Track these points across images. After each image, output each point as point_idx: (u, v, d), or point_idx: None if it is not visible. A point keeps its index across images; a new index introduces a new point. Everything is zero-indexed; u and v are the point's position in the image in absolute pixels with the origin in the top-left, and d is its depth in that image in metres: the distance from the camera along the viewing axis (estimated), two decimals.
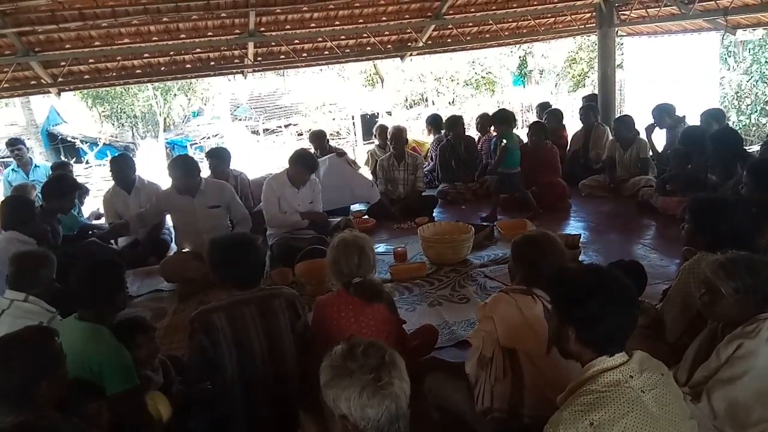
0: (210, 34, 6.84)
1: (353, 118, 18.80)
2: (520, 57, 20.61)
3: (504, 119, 6.03)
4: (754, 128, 12.08)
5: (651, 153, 6.60)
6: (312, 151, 6.68)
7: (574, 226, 5.81)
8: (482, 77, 20.43)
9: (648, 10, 7.53)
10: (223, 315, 2.52)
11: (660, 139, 6.71)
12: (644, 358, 1.82)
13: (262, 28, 6.87)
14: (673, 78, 12.71)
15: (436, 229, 5.14)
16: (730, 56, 13.01)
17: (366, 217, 6.33)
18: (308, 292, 4.14)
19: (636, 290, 3.20)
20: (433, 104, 19.57)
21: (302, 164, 4.91)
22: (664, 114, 6.54)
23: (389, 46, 7.89)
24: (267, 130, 19.53)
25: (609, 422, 1.64)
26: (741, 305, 2.21)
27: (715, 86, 13.04)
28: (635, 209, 6.04)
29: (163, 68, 7.40)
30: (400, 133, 6.56)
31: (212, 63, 7.58)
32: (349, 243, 2.69)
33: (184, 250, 4.87)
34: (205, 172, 5.46)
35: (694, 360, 2.41)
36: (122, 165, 5.53)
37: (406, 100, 20.41)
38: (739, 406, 2.14)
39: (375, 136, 8.37)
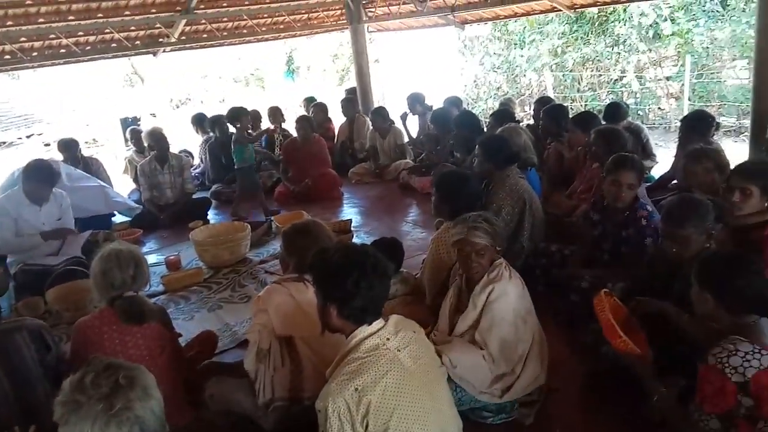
0: None
1: (112, 123, 17.08)
2: (286, 53, 20.84)
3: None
4: (490, 111, 13.98)
5: (407, 139, 7.24)
6: (62, 161, 5.92)
7: (347, 212, 6.12)
8: (251, 74, 20.20)
9: (390, 7, 8.20)
10: None
11: (414, 125, 7.39)
12: (399, 321, 2.01)
13: None
14: (424, 70, 14.11)
15: (210, 231, 4.97)
16: (466, 49, 14.87)
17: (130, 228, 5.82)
18: (66, 320, 3.68)
19: (394, 263, 3.51)
20: (202, 103, 18.78)
21: (36, 178, 4.26)
22: (415, 102, 7.21)
23: (137, 42, 7.32)
24: (3, 143, 16.71)
25: (372, 384, 1.78)
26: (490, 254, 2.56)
27: (457, 76, 14.83)
28: (398, 191, 6.59)
29: None
30: (159, 134, 6.17)
31: None
32: (123, 253, 2.52)
33: None
34: None
35: (450, 312, 2.73)
36: None
37: (172, 100, 19.25)
38: (508, 344, 2.50)
39: (129, 141, 7.77)
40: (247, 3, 7.49)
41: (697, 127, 4.17)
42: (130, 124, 10.61)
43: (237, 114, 5.82)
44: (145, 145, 6.63)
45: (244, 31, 8.03)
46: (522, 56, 13.09)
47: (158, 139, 6.11)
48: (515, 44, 13.38)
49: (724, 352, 1.84)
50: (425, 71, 14.89)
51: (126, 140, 9.27)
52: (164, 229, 5.93)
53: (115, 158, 13.10)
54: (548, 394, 2.66)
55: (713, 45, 10.94)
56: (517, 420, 2.57)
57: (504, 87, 14.01)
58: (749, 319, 1.91)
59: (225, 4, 7.36)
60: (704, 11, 10.97)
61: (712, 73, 10.95)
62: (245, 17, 7.73)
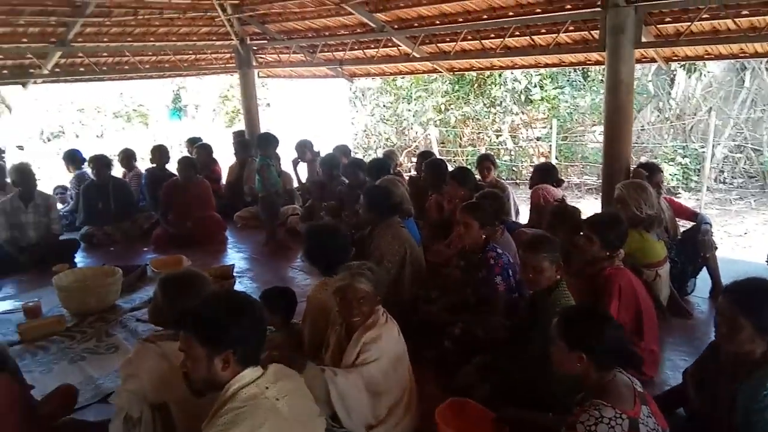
0: None
1: None
2: (174, 90, 20.22)
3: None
4: None
5: (297, 184, 7.24)
6: None
7: (232, 257, 5.95)
8: (133, 110, 19.30)
9: (281, 55, 8.31)
10: None
11: (303, 171, 7.42)
12: (278, 369, 1.99)
13: None
14: (315, 117, 14.33)
15: (76, 276, 4.61)
16: (357, 99, 15.36)
17: None
18: None
19: (285, 312, 3.43)
20: (77, 137, 17.58)
21: None
22: (304, 149, 7.26)
23: (5, 71, 6.77)
24: None
25: None
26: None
27: (348, 125, 15.21)
28: (286, 236, 6.51)
29: None
30: (26, 170, 5.69)
31: None
32: None
33: None
34: None
35: (332, 352, 2.80)
36: None
37: (42, 132, 17.84)
38: (375, 386, 2.59)
39: None
40: (129, 39, 7.22)
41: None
42: None
43: (267, 141, 6.04)
44: (8, 180, 6.06)
45: (126, 67, 7.67)
46: (409, 110, 13.75)
47: (25, 175, 5.64)
48: (403, 98, 14.03)
49: (591, 419, 1.87)
50: (317, 118, 15.13)
51: None
52: (23, 272, 5.42)
53: None
54: None
55: (576, 111, 12.21)
56: None
57: (393, 138, 14.56)
58: (612, 374, 2.01)
59: (106, 39, 7.03)
60: (568, 81, 12.28)
61: (575, 136, 12.16)
62: (127, 53, 7.43)
